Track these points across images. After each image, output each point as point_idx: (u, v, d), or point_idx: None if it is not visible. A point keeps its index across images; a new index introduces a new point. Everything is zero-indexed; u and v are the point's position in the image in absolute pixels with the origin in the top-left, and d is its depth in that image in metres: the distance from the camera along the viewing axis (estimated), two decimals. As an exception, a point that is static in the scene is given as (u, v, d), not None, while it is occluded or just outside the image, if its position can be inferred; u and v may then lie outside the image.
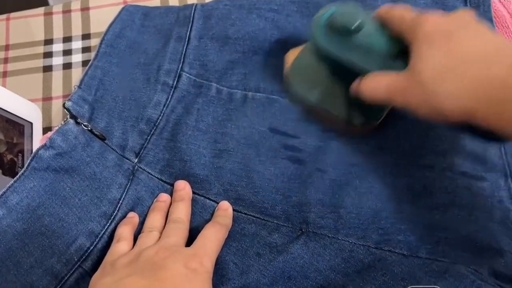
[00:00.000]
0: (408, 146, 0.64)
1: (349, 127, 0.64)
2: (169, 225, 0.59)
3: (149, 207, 0.62)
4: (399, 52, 0.54)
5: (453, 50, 0.48)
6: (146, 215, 0.62)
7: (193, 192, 0.63)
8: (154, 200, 0.63)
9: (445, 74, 0.47)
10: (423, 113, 0.50)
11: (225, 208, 0.61)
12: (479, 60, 0.47)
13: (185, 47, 0.73)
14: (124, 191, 0.63)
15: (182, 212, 0.60)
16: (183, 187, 0.63)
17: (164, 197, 0.63)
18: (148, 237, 0.57)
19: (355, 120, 0.63)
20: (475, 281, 0.51)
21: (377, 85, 0.54)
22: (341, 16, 0.57)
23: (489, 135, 0.47)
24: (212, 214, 0.61)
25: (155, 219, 0.60)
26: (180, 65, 0.71)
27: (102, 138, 0.65)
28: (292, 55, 0.67)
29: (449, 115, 0.48)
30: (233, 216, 0.61)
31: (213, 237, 0.57)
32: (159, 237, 0.57)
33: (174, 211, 0.61)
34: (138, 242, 0.57)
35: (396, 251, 0.57)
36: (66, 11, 0.83)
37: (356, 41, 0.56)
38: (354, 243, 0.58)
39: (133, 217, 0.61)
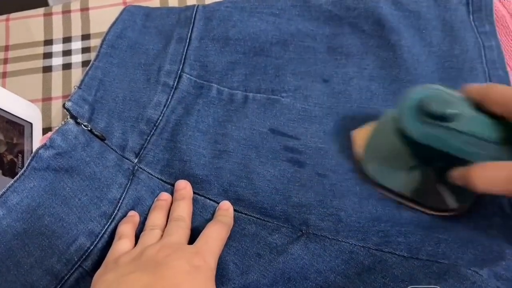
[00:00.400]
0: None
1: (435, 211, 0.60)
2: (171, 223, 0.59)
3: (150, 207, 0.62)
4: (507, 136, 0.50)
5: None
6: (147, 215, 0.62)
7: (193, 192, 0.63)
8: (155, 199, 0.63)
9: None
10: None
11: (226, 208, 0.61)
12: None
13: (186, 48, 0.73)
14: (124, 190, 0.63)
15: (184, 210, 0.60)
16: (184, 186, 0.63)
17: (165, 195, 0.63)
18: (150, 236, 0.57)
19: (440, 206, 0.59)
20: (476, 282, 0.51)
21: (493, 176, 0.49)
22: (435, 102, 0.51)
23: None
24: (212, 214, 0.61)
25: (156, 218, 0.60)
26: (181, 66, 0.71)
27: (102, 138, 0.65)
28: (360, 135, 0.63)
29: None
30: (234, 216, 0.61)
31: (215, 235, 0.57)
32: (161, 236, 0.57)
33: (175, 209, 0.61)
34: (140, 240, 0.57)
35: (397, 252, 0.57)
36: (66, 12, 0.83)
37: (454, 127, 0.51)
38: (355, 244, 0.58)
39: (134, 216, 0.61)
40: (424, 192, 0.59)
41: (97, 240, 0.59)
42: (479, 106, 0.52)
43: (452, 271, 0.52)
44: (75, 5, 0.83)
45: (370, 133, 0.62)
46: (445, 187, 0.58)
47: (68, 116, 0.64)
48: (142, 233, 0.58)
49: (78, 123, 0.64)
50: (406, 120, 0.54)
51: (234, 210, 0.62)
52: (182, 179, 0.64)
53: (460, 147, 0.51)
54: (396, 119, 0.55)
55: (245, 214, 0.62)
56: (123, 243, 0.56)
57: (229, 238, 0.59)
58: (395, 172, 0.60)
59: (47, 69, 0.78)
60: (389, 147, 0.59)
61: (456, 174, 0.53)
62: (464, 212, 0.59)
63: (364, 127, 0.63)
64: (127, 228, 0.59)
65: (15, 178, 0.58)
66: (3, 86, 0.76)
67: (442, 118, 0.51)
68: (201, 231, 0.58)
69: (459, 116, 0.51)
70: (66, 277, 0.57)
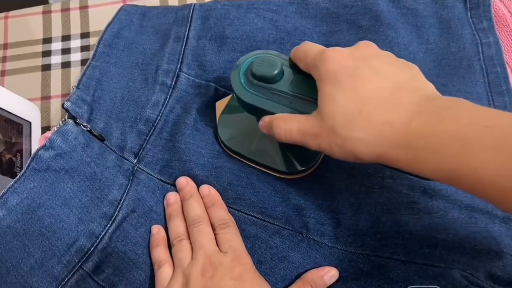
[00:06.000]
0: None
1: (285, 174, 0.62)
2: (192, 229, 0.59)
3: (151, 208, 0.63)
4: (309, 90, 0.53)
5: (358, 90, 0.47)
6: (149, 214, 0.62)
7: None
8: (165, 204, 0.63)
9: (353, 118, 0.46)
10: (338, 156, 0.49)
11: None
12: (381, 102, 0.46)
13: (183, 47, 0.73)
14: (125, 191, 0.63)
15: (196, 208, 0.61)
16: (186, 183, 0.63)
17: (172, 198, 0.63)
18: (182, 251, 0.58)
19: (288, 168, 0.62)
20: (469, 286, 0.51)
21: (289, 126, 0.52)
22: (259, 66, 0.55)
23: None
24: None
25: (177, 226, 0.61)
26: (179, 65, 0.71)
27: (101, 139, 0.65)
28: (220, 106, 0.66)
29: (364, 159, 0.47)
30: (234, 216, 0.62)
31: (231, 236, 0.58)
32: (190, 243, 0.59)
33: (188, 211, 0.61)
34: (175, 258, 0.58)
35: (394, 257, 0.57)
36: (65, 10, 0.83)
37: (276, 88, 0.55)
38: (353, 252, 0.59)
39: (158, 233, 0.61)
40: (269, 155, 0.62)
41: (97, 241, 0.59)
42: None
43: (446, 274, 0.53)
44: (74, 3, 0.83)
45: (227, 102, 0.65)
46: (286, 149, 0.61)
47: (67, 116, 0.64)
48: (173, 249, 0.59)
49: (77, 124, 0.64)
50: (235, 84, 0.57)
51: (235, 209, 0.62)
52: (181, 178, 0.64)
53: (278, 106, 0.54)
54: None
55: (246, 213, 0.62)
56: (164, 271, 0.57)
57: None
58: (242, 137, 0.64)
59: (46, 68, 0.78)
60: (235, 113, 0.63)
61: (262, 123, 0.56)
62: (309, 172, 0.62)
63: (225, 98, 0.66)
64: (160, 252, 0.59)
65: (15, 179, 0.58)
66: (2, 84, 0.77)
67: (265, 80, 0.55)
68: None
69: (278, 76, 0.55)
70: (66, 279, 0.57)
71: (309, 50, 0.53)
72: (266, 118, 0.55)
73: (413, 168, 0.45)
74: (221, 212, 0.61)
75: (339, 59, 0.49)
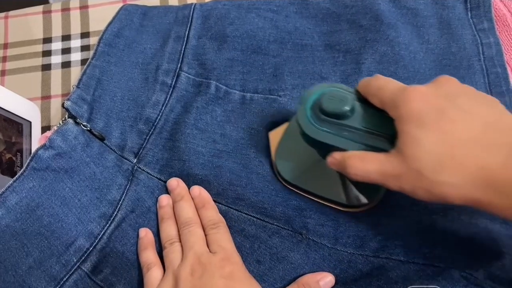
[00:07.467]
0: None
1: (346, 208, 0.61)
2: (183, 231, 0.59)
3: (149, 208, 0.63)
4: (392, 129, 0.50)
5: (448, 132, 0.45)
6: (147, 215, 0.62)
7: None
8: (158, 206, 0.63)
9: (444, 161, 0.44)
10: (422, 198, 0.47)
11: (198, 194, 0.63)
12: (473, 144, 0.44)
13: (183, 47, 0.73)
14: (124, 192, 0.63)
15: (187, 210, 0.61)
16: (177, 185, 0.63)
17: (164, 201, 0.63)
18: (173, 252, 0.58)
19: (352, 201, 0.60)
20: (468, 285, 0.51)
21: (368, 167, 0.49)
22: (330, 102, 0.53)
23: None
24: None
25: (169, 229, 0.60)
26: (179, 64, 0.71)
27: (101, 139, 0.65)
28: (275, 137, 0.64)
29: (454, 202, 0.45)
30: (233, 216, 0.62)
31: (220, 236, 0.58)
32: (181, 245, 0.58)
33: (179, 213, 0.61)
34: (166, 260, 0.58)
35: (393, 257, 0.57)
36: (65, 9, 0.83)
37: (348, 124, 0.53)
38: (353, 253, 0.58)
39: (146, 236, 0.61)
40: (331, 189, 0.60)
41: (96, 241, 0.59)
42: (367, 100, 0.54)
43: (446, 273, 0.52)
44: (74, 3, 0.83)
45: (282, 133, 0.63)
46: (351, 183, 0.59)
47: (67, 115, 0.64)
48: (164, 251, 0.59)
49: (77, 123, 0.64)
50: (302, 121, 0.55)
51: (234, 209, 0.62)
52: (181, 179, 0.64)
53: (349, 143, 0.52)
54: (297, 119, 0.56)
55: (245, 213, 0.62)
56: (153, 273, 0.57)
57: None
58: (303, 171, 0.62)
59: (46, 67, 0.78)
60: (296, 147, 0.60)
61: (332, 160, 0.53)
62: (374, 205, 0.60)
63: (279, 128, 0.64)
64: (149, 255, 0.59)
65: (15, 178, 0.58)
66: (2, 84, 0.77)
67: (336, 116, 0.53)
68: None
69: (350, 112, 0.52)
70: (64, 279, 0.57)
71: (384, 87, 0.51)
72: (337, 155, 0.52)
73: (509, 214, 0.43)
74: (211, 213, 0.61)
75: (423, 99, 0.47)
